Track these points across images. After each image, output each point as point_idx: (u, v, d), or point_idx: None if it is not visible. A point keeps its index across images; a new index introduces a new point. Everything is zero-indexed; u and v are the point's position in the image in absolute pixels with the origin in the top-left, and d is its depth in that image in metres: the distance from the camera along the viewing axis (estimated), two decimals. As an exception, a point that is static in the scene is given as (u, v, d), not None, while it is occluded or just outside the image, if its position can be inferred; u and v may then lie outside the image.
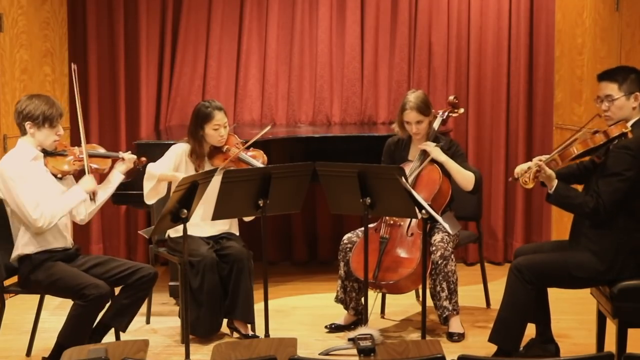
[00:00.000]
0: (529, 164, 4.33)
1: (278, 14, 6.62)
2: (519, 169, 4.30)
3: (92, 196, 4.48)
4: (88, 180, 4.44)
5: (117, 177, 4.60)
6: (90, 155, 4.50)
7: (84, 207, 4.53)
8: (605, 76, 4.22)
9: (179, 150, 4.98)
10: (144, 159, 4.67)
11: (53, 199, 4.36)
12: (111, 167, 4.61)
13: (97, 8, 6.57)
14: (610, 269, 4.12)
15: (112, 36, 6.61)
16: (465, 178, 4.94)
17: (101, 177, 4.78)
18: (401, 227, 4.93)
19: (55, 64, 6.35)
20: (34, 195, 4.28)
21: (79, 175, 4.52)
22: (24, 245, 4.37)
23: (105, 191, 4.59)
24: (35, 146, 4.39)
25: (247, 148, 5.00)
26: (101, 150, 4.62)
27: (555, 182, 4.14)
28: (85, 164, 4.43)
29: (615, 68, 4.30)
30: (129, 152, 4.69)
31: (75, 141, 4.70)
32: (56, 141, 4.42)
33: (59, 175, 4.45)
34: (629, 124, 4.14)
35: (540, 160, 4.14)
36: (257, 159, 4.98)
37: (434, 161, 4.92)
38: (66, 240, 4.48)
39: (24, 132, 4.40)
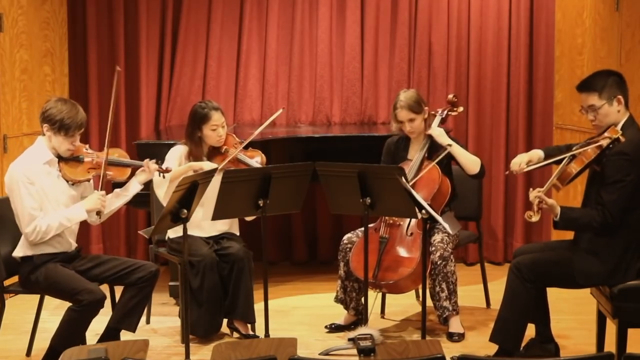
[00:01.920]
0: (523, 157, 4.37)
1: (278, 14, 6.62)
2: (515, 165, 4.38)
3: (98, 214, 4.39)
4: (93, 199, 4.36)
5: (134, 187, 4.54)
6: (110, 163, 4.42)
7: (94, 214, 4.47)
8: (584, 87, 4.20)
9: (178, 152, 4.98)
10: (170, 167, 4.60)
11: (54, 211, 4.32)
12: (131, 176, 4.55)
13: (97, 8, 6.57)
14: (614, 272, 4.10)
15: (112, 36, 6.61)
16: (471, 161, 4.93)
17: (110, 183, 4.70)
18: (401, 227, 4.93)
19: (55, 64, 6.35)
20: (33, 205, 4.25)
21: (95, 180, 4.46)
22: (28, 245, 4.36)
23: (120, 199, 4.55)
24: (50, 149, 4.36)
25: (245, 148, 4.99)
26: (122, 159, 4.52)
27: (559, 209, 4.12)
28: (102, 172, 4.35)
29: (592, 76, 4.26)
30: (154, 160, 4.59)
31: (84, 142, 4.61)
32: (70, 150, 4.36)
33: (71, 183, 4.42)
34: (619, 127, 4.14)
35: (539, 192, 4.12)
36: (255, 159, 4.98)
37: (433, 159, 4.93)
38: (70, 245, 4.48)
39: (43, 132, 4.38)
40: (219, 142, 4.97)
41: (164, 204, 4.67)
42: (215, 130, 4.93)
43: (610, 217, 4.04)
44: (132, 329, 4.46)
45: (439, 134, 4.95)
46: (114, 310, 4.49)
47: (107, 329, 4.42)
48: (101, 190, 4.37)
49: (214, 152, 4.99)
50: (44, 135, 4.38)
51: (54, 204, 4.35)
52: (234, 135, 5.11)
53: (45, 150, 4.36)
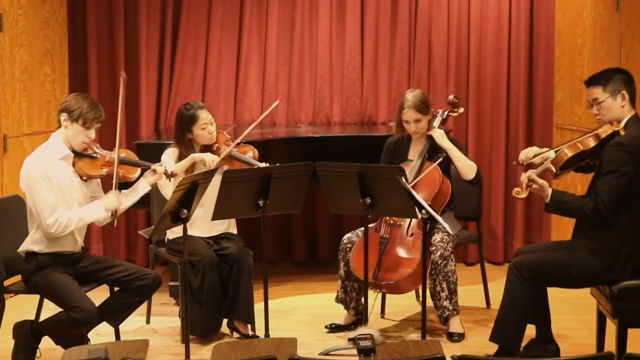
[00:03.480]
0: (533, 149, 4.36)
1: (278, 14, 6.63)
2: (522, 154, 4.36)
3: (114, 213, 4.41)
4: (111, 198, 4.39)
5: (143, 187, 4.56)
6: (121, 162, 4.43)
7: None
8: (591, 81, 4.23)
9: (170, 153, 5.00)
10: (176, 173, 4.61)
11: (73, 207, 4.33)
12: (139, 176, 4.55)
13: (97, 8, 6.58)
14: (610, 269, 4.11)
15: (112, 36, 6.62)
16: (468, 166, 4.94)
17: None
18: (401, 227, 4.93)
19: (55, 64, 6.35)
20: (53, 198, 4.24)
21: (105, 179, 4.48)
22: (34, 241, 4.34)
23: (129, 199, 4.55)
24: (65, 142, 4.36)
25: (237, 144, 5.00)
26: (132, 158, 4.54)
27: (550, 190, 4.12)
28: (114, 170, 4.37)
29: (600, 71, 4.30)
30: (160, 163, 4.63)
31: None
32: (84, 143, 4.36)
33: (84, 178, 4.42)
34: (622, 122, 4.15)
35: (531, 172, 4.11)
36: (248, 154, 4.98)
37: (434, 160, 4.93)
38: (77, 244, 4.46)
39: (59, 125, 4.37)
40: (212, 140, 4.99)
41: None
42: (205, 128, 4.95)
43: (603, 206, 4.04)
44: (115, 325, 4.51)
45: (440, 136, 4.95)
46: (105, 300, 4.47)
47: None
48: (114, 189, 4.38)
49: (206, 151, 4.99)
50: (58, 128, 4.37)
51: (69, 201, 4.34)
52: (224, 132, 5.12)
53: (60, 145, 4.35)
